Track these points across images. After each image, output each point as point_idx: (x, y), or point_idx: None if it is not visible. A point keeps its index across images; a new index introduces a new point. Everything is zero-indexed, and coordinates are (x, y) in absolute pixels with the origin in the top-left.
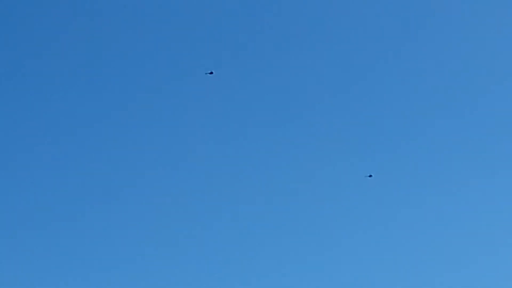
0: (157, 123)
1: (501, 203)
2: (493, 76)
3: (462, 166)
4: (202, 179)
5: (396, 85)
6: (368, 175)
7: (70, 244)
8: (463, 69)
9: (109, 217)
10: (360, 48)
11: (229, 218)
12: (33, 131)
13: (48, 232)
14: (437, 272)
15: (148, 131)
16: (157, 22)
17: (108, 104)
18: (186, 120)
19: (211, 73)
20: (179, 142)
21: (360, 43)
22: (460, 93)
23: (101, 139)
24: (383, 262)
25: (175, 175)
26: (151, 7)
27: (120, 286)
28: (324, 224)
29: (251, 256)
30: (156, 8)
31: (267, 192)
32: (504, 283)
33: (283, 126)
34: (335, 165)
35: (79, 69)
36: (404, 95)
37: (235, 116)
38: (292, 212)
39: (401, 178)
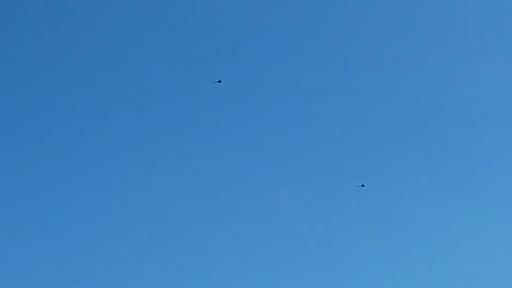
0: (161, 128)
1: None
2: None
3: (451, 170)
4: (201, 183)
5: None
6: (361, 184)
7: (69, 245)
8: (455, 75)
9: (111, 217)
10: (356, 53)
11: (229, 219)
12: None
13: (48, 232)
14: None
15: (152, 135)
16: (166, 30)
17: (115, 110)
18: (185, 124)
19: (219, 81)
20: (181, 147)
21: (355, 54)
22: (450, 100)
23: (105, 143)
24: (374, 265)
25: (178, 178)
26: (162, 16)
27: (120, 286)
28: (319, 227)
29: (250, 258)
30: (166, 16)
31: (264, 195)
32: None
33: (280, 136)
34: (331, 172)
35: (88, 81)
36: (396, 102)
37: (233, 122)
38: (288, 215)
39: (392, 186)
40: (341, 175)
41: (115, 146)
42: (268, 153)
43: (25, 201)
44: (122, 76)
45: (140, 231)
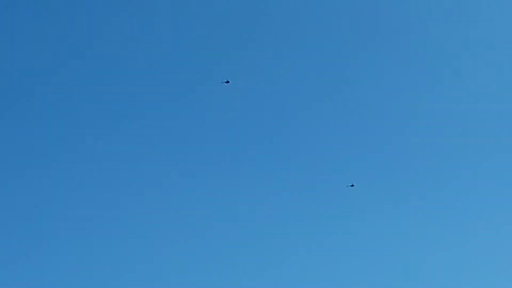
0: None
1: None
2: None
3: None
4: (198, 183)
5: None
6: (350, 184)
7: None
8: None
9: (114, 218)
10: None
11: (230, 219)
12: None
13: (50, 233)
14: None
15: (156, 136)
16: (176, 32)
17: (125, 111)
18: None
19: (227, 82)
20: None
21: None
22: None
23: (109, 139)
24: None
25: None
26: (171, 18)
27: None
28: (309, 227)
29: (249, 258)
30: (176, 19)
31: (256, 195)
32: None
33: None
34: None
35: (98, 83)
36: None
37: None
38: (286, 216)
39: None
40: (331, 175)
41: (118, 145)
42: (260, 152)
43: (33, 204)
44: (130, 78)
45: (142, 232)
